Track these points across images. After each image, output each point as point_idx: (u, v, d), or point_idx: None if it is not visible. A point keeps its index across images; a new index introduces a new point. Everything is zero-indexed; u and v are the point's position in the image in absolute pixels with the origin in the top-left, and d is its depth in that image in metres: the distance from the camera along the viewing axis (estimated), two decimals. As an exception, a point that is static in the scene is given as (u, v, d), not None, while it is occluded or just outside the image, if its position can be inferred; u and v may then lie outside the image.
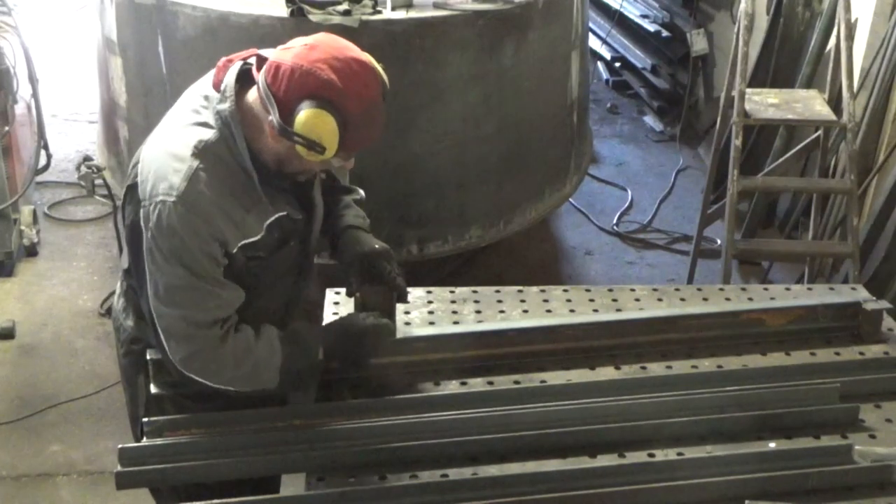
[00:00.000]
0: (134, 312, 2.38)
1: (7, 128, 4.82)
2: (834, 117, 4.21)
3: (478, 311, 2.69)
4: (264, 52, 2.17)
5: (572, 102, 4.91)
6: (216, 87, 2.17)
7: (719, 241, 5.11)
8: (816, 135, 4.57)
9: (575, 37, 4.80)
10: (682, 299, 2.78)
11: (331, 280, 2.67)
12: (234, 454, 2.13)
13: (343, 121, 2.03)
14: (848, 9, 4.14)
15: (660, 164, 6.47)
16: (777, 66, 5.38)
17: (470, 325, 2.60)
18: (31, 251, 5.10)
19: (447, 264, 4.90)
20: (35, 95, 5.00)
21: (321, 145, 2.03)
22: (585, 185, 5.65)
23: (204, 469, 2.11)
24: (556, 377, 2.43)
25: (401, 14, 4.08)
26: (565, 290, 2.81)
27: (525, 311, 2.69)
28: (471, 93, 4.28)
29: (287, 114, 2.03)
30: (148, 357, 2.35)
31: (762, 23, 5.46)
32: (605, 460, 2.15)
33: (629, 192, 6.04)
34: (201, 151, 2.12)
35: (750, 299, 2.77)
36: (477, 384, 2.40)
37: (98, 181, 4.77)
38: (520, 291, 2.80)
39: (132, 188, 2.19)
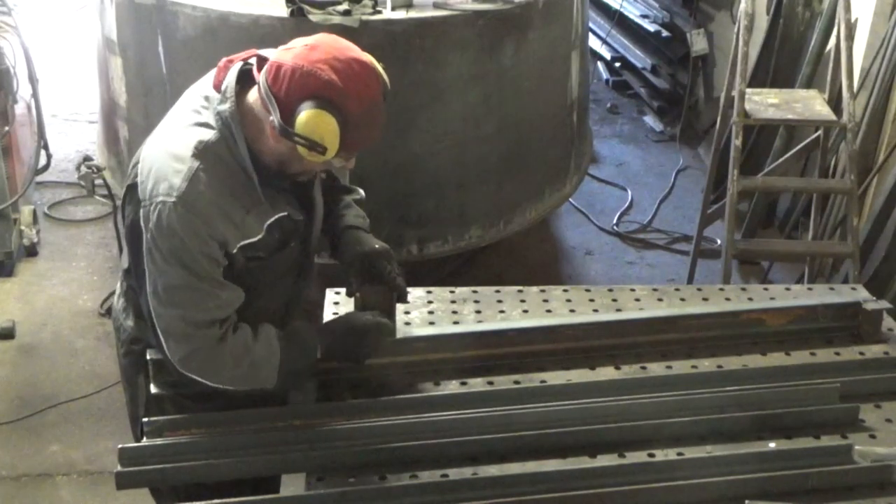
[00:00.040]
0: (134, 312, 2.38)
1: (7, 128, 4.82)
2: (834, 117, 4.21)
3: (478, 311, 2.69)
4: (265, 52, 2.17)
5: (572, 102, 4.91)
6: (217, 87, 2.17)
7: (719, 241, 5.11)
8: (816, 135, 4.57)
9: (575, 37, 4.80)
10: (682, 299, 2.78)
11: (331, 280, 2.67)
12: (234, 454, 2.13)
13: (344, 121, 2.03)
14: (848, 9, 4.14)
15: (660, 164, 6.47)
16: (777, 66, 5.38)
17: (470, 325, 2.60)
18: (31, 251, 5.10)
19: (447, 264, 4.90)
20: (35, 95, 5.00)
21: (322, 146, 2.03)
22: (585, 185, 5.65)
23: (204, 469, 2.11)
24: (556, 377, 2.43)
25: (401, 14, 4.08)
26: (565, 290, 2.81)
27: (525, 311, 2.70)
28: (471, 93, 4.28)
29: (288, 114, 2.03)
30: (148, 357, 2.35)
31: (762, 23, 5.46)
32: (605, 460, 2.15)
33: (629, 192, 6.04)
34: (201, 152, 2.12)
35: (750, 299, 2.77)
36: (477, 384, 2.41)
37: (98, 181, 4.77)
38: (520, 291, 2.80)
39: (132, 188, 2.19)
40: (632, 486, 2.05)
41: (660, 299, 2.77)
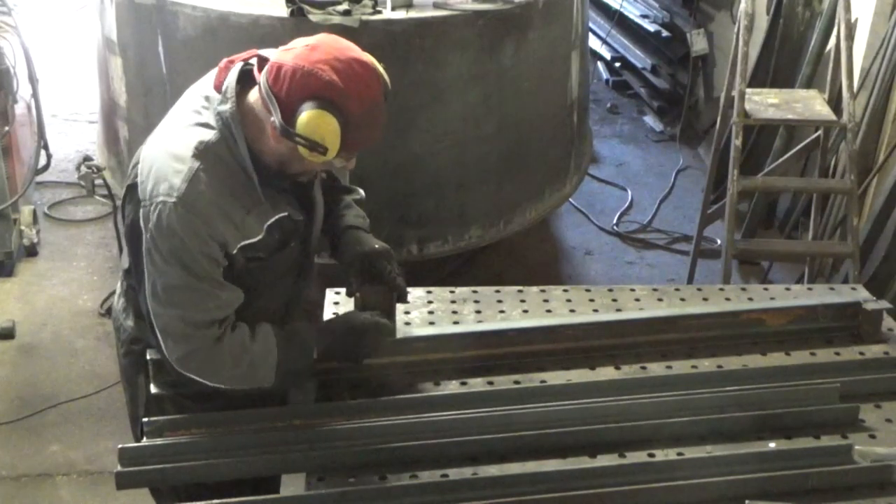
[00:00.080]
0: (134, 312, 2.38)
1: (7, 128, 4.82)
2: (834, 117, 4.21)
3: (478, 311, 2.69)
4: (265, 52, 2.17)
5: (572, 102, 4.91)
6: (217, 88, 2.17)
7: (719, 241, 5.11)
8: (816, 135, 4.57)
9: (575, 37, 4.80)
10: (682, 299, 2.78)
11: (331, 280, 2.67)
12: (234, 454, 2.13)
13: (345, 121, 2.03)
14: (848, 9, 4.14)
15: (660, 164, 6.47)
16: (777, 66, 5.38)
17: (470, 325, 2.60)
18: (31, 251, 5.10)
19: (447, 264, 4.90)
20: (35, 95, 5.00)
21: (323, 146, 2.03)
22: (585, 185, 5.65)
23: (204, 469, 2.11)
24: (556, 377, 2.43)
25: (401, 14, 4.08)
26: (565, 290, 2.81)
27: (525, 311, 2.70)
28: (471, 93, 4.28)
29: (289, 115, 2.03)
30: (148, 357, 2.36)
31: (762, 23, 5.46)
32: (605, 460, 2.15)
33: (629, 192, 6.04)
34: (202, 152, 2.12)
35: (750, 299, 2.77)
36: (477, 384, 2.41)
37: (98, 181, 4.77)
38: (520, 291, 2.80)
39: (132, 188, 2.19)
40: (632, 486, 2.05)
41: (660, 299, 2.77)
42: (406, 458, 2.14)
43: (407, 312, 2.64)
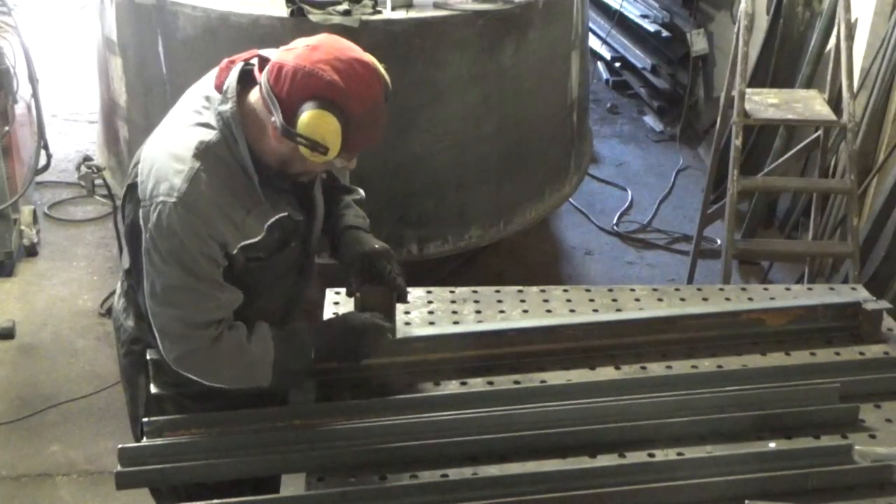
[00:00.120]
0: (134, 312, 2.38)
1: (7, 128, 4.82)
2: (834, 117, 4.21)
3: (478, 311, 2.69)
4: (266, 52, 2.17)
5: (572, 102, 4.91)
6: (218, 88, 2.17)
7: (719, 241, 5.11)
8: (816, 135, 4.57)
9: (575, 37, 4.80)
10: (682, 299, 2.78)
11: (331, 280, 2.67)
12: (234, 454, 2.13)
13: (346, 121, 2.03)
14: (848, 9, 4.14)
15: (660, 164, 6.47)
16: (777, 66, 5.38)
17: (470, 325, 2.60)
18: (31, 251, 5.10)
19: (447, 264, 4.90)
20: (35, 95, 5.00)
21: (324, 146, 2.03)
22: (585, 185, 5.65)
23: (204, 469, 2.11)
24: (556, 377, 2.43)
25: (401, 14, 4.08)
26: (565, 290, 2.81)
27: (525, 311, 2.69)
28: (471, 93, 4.28)
29: (290, 115, 2.03)
30: (148, 357, 2.36)
31: (762, 23, 5.46)
32: (605, 460, 2.15)
33: (629, 192, 6.04)
34: (202, 152, 2.12)
35: (750, 299, 2.77)
36: (477, 384, 2.41)
37: (98, 181, 4.77)
38: (520, 291, 2.80)
39: (132, 187, 2.19)
40: (632, 486, 2.05)
41: (660, 299, 2.77)
42: (406, 458, 2.14)
43: (407, 312, 2.64)
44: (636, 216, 5.82)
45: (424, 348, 2.46)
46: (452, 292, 2.78)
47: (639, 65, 7.23)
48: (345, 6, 3.97)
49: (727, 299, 2.78)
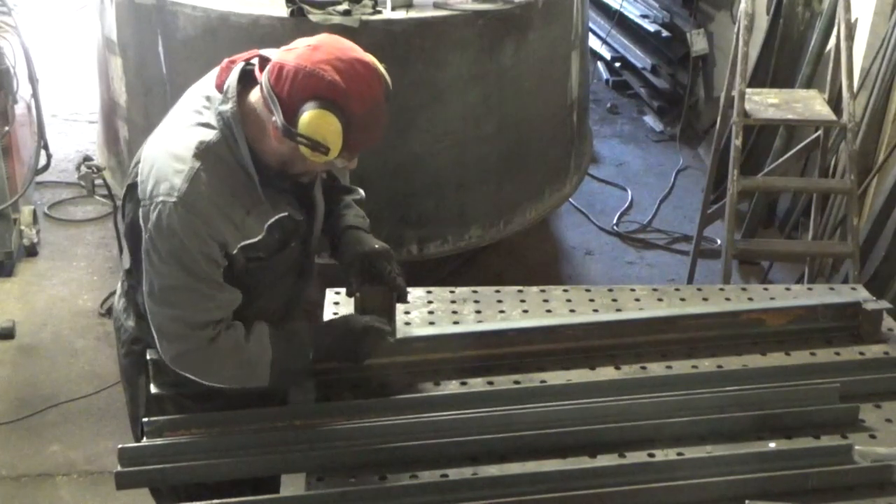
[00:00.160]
0: (135, 312, 2.38)
1: (7, 128, 4.82)
2: (834, 117, 4.21)
3: (478, 311, 2.69)
4: (267, 52, 2.17)
5: (572, 102, 4.91)
6: (219, 88, 2.17)
7: (719, 241, 5.11)
8: (816, 135, 4.57)
9: (575, 37, 4.80)
10: (682, 299, 2.78)
11: (331, 280, 2.67)
12: (234, 454, 2.13)
13: (347, 121, 2.03)
14: (848, 9, 4.14)
15: (660, 164, 6.47)
16: (777, 66, 5.38)
17: (470, 325, 2.60)
18: (31, 251, 5.10)
19: (447, 264, 4.90)
20: (35, 95, 5.00)
21: (325, 146, 2.03)
22: (585, 185, 5.65)
23: (204, 469, 2.11)
24: (556, 377, 2.43)
25: (401, 14, 4.08)
26: (565, 290, 2.81)
27: (525, 311, 2.69)
28: (471, 93, 4.28)
29: (291, 115, 2.03)
30: (148, 357, 2.36)
31: (762, 23, 5.46)
32: (605, 460, 2.15)
33: (629, 192, 6.04)
34: (202, 152, 2.12)
35: (750, 299, 2.77)
36: (477, 384, 2.41)
37: (98, 181, 4.77)
38: (520, 291, 2.80)
39: (132, 187, 2.19)
40: (632, 486, 2.05)
41: (660, 299, 2.77)
42: (406, 458, 2.14)
43: (407, 312, 2.64)
44: (636, 216, 5.82)
45: (424, 348, 2.46)
46: (452, 292, 2.78)
47: (639, 65, 7.23)
48: (345, 6, 3.97)
49: (727, 299, 2.78)
